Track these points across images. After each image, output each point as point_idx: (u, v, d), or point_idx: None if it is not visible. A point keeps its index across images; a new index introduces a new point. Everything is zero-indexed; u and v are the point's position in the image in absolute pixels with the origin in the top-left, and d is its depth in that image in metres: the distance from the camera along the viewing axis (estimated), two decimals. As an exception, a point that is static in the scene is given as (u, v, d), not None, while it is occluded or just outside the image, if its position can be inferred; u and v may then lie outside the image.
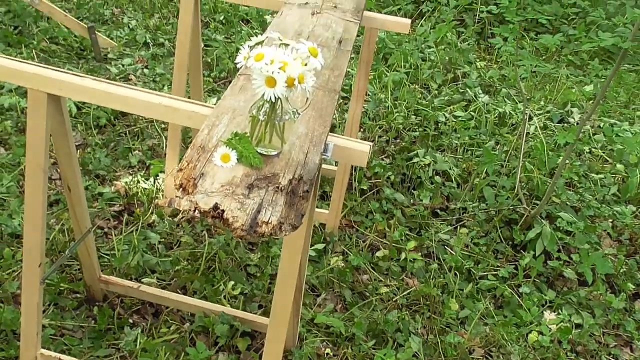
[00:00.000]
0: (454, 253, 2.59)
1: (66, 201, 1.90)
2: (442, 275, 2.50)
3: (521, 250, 2.68)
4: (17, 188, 2.53)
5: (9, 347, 1.92)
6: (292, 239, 1.46)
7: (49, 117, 1.53)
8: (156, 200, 2.61)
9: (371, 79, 3.66)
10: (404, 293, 2.39)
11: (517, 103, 3.66)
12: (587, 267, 2.51)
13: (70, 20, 3.56)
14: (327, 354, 2.10)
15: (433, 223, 2.76)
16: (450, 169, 3.04)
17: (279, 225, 1.08)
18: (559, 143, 3.03)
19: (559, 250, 2.65)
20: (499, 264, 2.59)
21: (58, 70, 1.49)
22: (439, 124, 3.39)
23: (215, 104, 1.43)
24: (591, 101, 3.84)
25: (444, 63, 4.00)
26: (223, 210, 1.07)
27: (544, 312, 2.41)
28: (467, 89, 3.72)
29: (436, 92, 3.75)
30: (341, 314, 2.26)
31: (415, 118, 3.42)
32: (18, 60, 1.50)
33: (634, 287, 2.60)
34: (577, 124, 3.51)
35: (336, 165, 2.61)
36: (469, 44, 4.38)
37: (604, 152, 3.42)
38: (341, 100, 3.47)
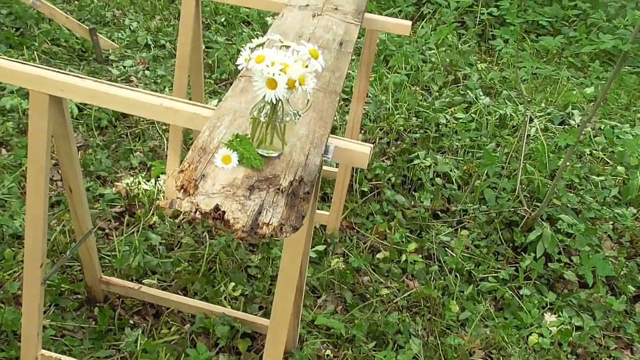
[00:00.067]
0: (455, 255, 2.59)
1: (67, 202, 1.90)
2: (442, 277, 2.50)
3: (522, 252, 2.68)
4: (18, 189, 2.54)
5: (10, 348, 1.92)
6: (293, 240, 1.46)
7: (50, 119, 1.53)
8: (157, 202, 2.62)
9: (372, 80, 3.67)
10: (405, 295, 2.39)
11: (517, 105, 3.67)
12: (587, 269, 2.50)
13: (72, 22, 3.56)
14: (328, 355, 2.10)
15: (434, 225, 2.77)
16: (451, 170, 3.04)
17: (279, 226, 1.08)
18: (559, 145, 3.04)
19: (559, 253, 2.65)
20: (499, 266, 2.59)
21: (59, 72, 1.50)
22: (440, 126, 3.39)
23: (216, 106, 1.43)
24: (592, 103, 3.84)
25: (444, 65, 4.01)
26: (224, 212, 1.07)
27: (545, 314, 2.41)
28: (468, 91, 3.72)
29: (437, 94, 3.75)
30: (342, 316, 2.26)
31: (416, 120, 3.43)
32: (20, 62, 1.51)
33: (634, 289, 2.59)
34: (578, 126, 3.51)
35: (337, 167, 2.62)
36: (469, 46, 4.38)
37: (604, 154, 3.42)
38: (342, 102, 3.48)
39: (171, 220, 2.54)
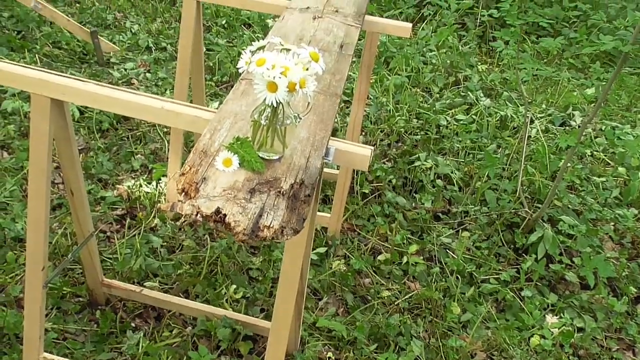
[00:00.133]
0: (456, 256, 2.59)
1: (69, 205, 1.91)
2: (444, 279, 2.50)
3: (523, 254, 2.68)
4: (20, 192, 2.54)
5: (12, 351, 1.92)
6: (294, 243, 1.47)
7: (52, 122, 1.53)
8: (158, 204, 2.62)
9: (373, 82, 3.67)
10: (406, 297, 2.39)
11: (518, 106, 3.67)
12: (589, 270, 2.50)
13: (73, 24, 3.57)
14: (329, 357, 2.10)
15: (435, 226, 2.77)
16: (451, 172, 3.04)
17: (280, 229, 1.08)
18: (560, 146, 3.04)
19: (560, 254, 2.65)
20: (500, 268, 2.59)
21: (61, 75, 1.50)
22: (441, 128, 3.39)
23: (217, 108, 1.44)
24: (593, 104, 3.84)
25: (445, 66, 4.01)
26: (225, 215, 1.07)
27: (546, 315, 2.40)
28: (469, 93, 3.72)
29: (437, 95, 3.75)
30: (343, 318, 2.26)
31: (417, 121, 3.43)
32: (21, 65, 1.51)
33: (636, 290, 2.59)
34: (579, 127, 3.51)
35: (338, 169, 2.62)
36: (470, 48, 4.39)
37: (605, 155, 3.42)
38: (343, 104, 3.48)
39: (172, 223, 2.54)
